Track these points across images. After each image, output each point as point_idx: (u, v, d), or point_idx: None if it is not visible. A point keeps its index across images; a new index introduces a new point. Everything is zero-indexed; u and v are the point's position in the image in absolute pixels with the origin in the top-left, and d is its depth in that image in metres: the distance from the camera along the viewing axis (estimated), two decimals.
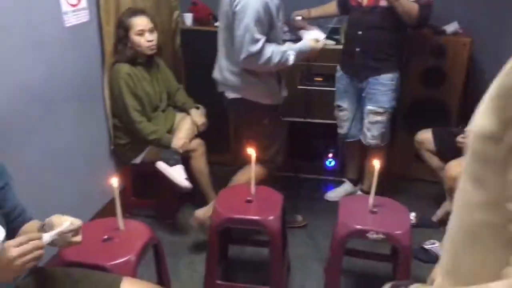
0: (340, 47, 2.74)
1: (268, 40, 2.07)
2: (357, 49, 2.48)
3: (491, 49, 3.01)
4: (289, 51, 2.12)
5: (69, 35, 2.15)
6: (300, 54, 2.17)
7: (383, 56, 2.46)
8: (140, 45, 2.39)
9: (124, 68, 2.37)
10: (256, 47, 2.01)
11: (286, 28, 2.59)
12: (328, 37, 2.83)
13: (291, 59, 2.13)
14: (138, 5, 2.60)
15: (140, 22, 2.38)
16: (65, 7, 2.12)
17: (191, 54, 3.14)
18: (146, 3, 2.69)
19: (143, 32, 2.38)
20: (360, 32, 2.47)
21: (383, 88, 2.49)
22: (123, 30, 2.38)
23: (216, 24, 2.20)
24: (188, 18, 3.25)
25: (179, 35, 3.16)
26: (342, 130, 2.77)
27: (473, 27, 2.98)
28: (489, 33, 3.01)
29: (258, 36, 2.01)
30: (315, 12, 2.70)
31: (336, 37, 3.00)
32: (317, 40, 2.26)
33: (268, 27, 2.07)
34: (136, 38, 2.37)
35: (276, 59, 2.08)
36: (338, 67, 2.67)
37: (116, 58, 2.40)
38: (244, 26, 1.99)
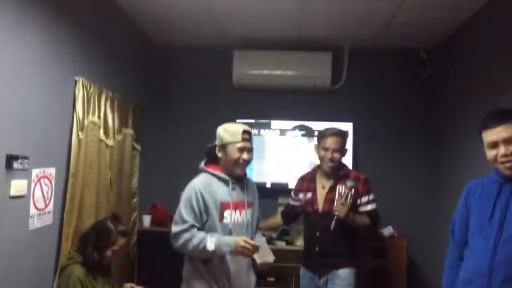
0: (290, 247, 3.29)
1: (205, 225, 2.19)
2: (316, 249, 2.66)
3: (426, 250, 3.58)
4: (208, 237, 2.13)
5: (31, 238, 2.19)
6: (222, 243, 2.12)
7: (340, 254, 2.62)
8: (107, 259, 2.43)
9: (77, 270, 2.31)
10: (176, 229, 2.16)
11: None
12: (278, 238, 3.40)
13: (209, 245, 2.11)
14: (101, 207, 2.81)
15: (123, 244, 2.53)
16: (33, 211, 2.18)
17: (146, 253, 3.40)
18: (109, 206, 2.91)
19: (118, 251, 2.50)
20: (318, 234, 2.67)
21: (341, 282, 2.59)
22: (105, 239, 2.40)
23: (172, 231, 2.25)
24: (147, 220, 3.58)
25: (136, 235, 3.44)
26: None
27: (407, 230, 3.51)
28: (423, 235, 3.62)
29: (184, 217, 2.15)
30: (263, 225, 2.80)
31: (286, 238, 3.43)
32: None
33: (203, 213, 2.18)
34: (109, 253, 2.42)
35: (191, 243, 2.13)
36: (301, 265, 2.81)
37: (75, 260, 2.37)
38: (178, 208, 2.20)
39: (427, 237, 3.65)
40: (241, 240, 2.12)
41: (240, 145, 2.22)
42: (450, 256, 2.02)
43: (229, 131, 2.24)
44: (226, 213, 2.22)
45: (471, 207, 1.88)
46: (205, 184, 2.23)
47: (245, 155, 2.23)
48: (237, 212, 2.25)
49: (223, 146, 2.25)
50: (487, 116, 1.80)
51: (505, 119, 1.72)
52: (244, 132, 2.24)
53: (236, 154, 2.22)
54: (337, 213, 2.52)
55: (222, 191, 2.23)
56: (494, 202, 1.77)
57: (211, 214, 2.19)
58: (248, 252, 2.12)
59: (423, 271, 3.68)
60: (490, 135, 1.75)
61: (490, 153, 1.77)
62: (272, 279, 2.64)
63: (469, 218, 1.88)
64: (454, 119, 3.38)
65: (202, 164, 2.34)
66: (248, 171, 2.41)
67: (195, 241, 2.11)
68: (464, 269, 1.86)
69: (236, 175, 2.27)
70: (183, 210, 2.18)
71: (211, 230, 2.19)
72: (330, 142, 2.65)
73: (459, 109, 3.29)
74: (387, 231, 3.44)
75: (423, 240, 3.63)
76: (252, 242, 2.14)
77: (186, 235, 2.13)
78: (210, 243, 2.10)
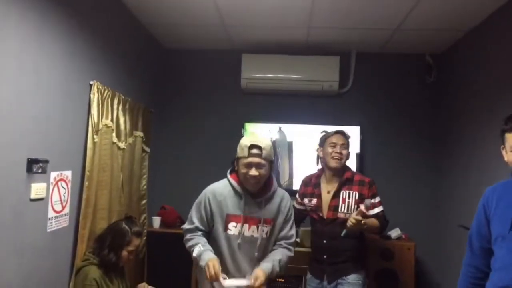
0: (299, 248, 3.08)
1: (211, 229, 2.29)
2: (325, 256, 2.65)
3: (432, 252, 3.65)
4: (198, 246, 2.21)
5: (49, 240, 2.23)
6: (202, 256, 2.18)
7: (349, 259, 2.62)
8: (123, 259, 2.47)
9: (93, 271, 2.34)
10: (184, 226, 2.32)
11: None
12: None
13: (194, 252, 2.21)
14: (113, 209, 2.86)
15: (138, 244, 2.57)
16: (51, 213, 2.22)
17: (156, 255, 3.45)
18: (121, 208, 2.98)
19: (133, 252, 2.54)
20: (325, 241, 2.65)
21: (351, 287, 2.59)
22: (120, 240, 2.44)
23: (182, 226, 2.40)
24: (156, 221, 3.59)
25: (145, 236, 3.43)
26: None
27: (414, 232, 3.56)
28: (430, 237, 3.69)
29: (192, 218, 2.29)
30: None
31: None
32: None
33: (209, 219, 2.27)
34: (125, 253, 2.46)
35: (187, 243, 2.28)
36: (308, 271, 2.80)
37: (91, 261, 2.41)
38: (193, 206, 2.34)
39: (434, 239, 3.69)
40: (211, 262, 2.11)
41: (246, 160, 2.16)
42: (464, 262, 1.94)
43: (240, 145, 2.21)
44: (231, 225, 2.24)
45: (490, 214, 1.79)
46: (217, 193, 2.27)
47: (252, 171, 2.16)
48: (247, 226, 2.24)
49: (237, 160, 2.24)
50: (509, 117, 1.71)
51: None
52: (252, 147, 2.16)
53: (243, 170, 2.18)
54: (349, 225, 2.44)
55: (232, 203, 2.24)
56: None
57: (215, 223, 2.26)
58: (209, 275, 2.09)
59: (431, 273, 3.72)
60: (510, 139, 1.68)
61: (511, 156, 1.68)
62: (281, 280, 2.66)
63: (489, 226, 1.79)
64: (460, 123, 3.42)
65: (228, 171, 2.34)
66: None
67: (190, 243, 2.26)
68: (490, 280, 1.77)
69: (249, 190, 2.24)
70: (193, 211, 2.32)
71: (216, 236, 2.27)
72: (337, 138, 2.66)
73: (465, 113, 3.33)
74: (395, 233, 3.47)
75: (430, 242, 3.67)
76: (216, 270, 2.08)
77: (188, 235, 2.28)
78: (196, 251, 2.20)
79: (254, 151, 2.16)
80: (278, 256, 2.27)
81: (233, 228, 2.24)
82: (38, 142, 2.09)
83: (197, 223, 2.27)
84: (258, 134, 2.30)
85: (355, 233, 2.54)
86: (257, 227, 2.25)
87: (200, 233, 2.27)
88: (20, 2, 1.92)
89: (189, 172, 3.93)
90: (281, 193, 2.35)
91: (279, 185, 3.51)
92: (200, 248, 2.19)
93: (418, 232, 3.61)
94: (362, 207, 2.46)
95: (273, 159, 2.25)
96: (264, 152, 2.16)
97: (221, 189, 2.28)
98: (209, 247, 2.23)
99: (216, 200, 2.25)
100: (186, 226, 2.31)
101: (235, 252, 2.25)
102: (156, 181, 3.82)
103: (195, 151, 3.96)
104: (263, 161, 2.17)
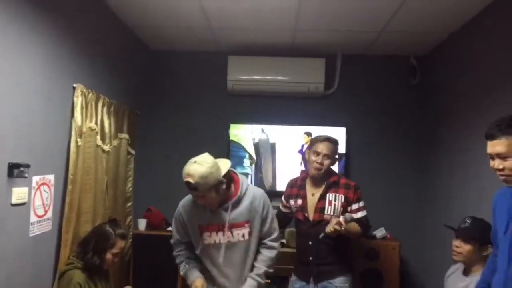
0: (286, 249, 3.16)
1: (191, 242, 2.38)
2: (310, 258, 2.64)
3: (416, 251, 3.71)
4: (182, 265, 2.38)
5: (31, 245, 2.20)
6: (188, 276, 2.36)
7: (335, 261, 2.63)
8: (107, 262, 2.45)
9: (77, 275, 2.32)
10: (171, 240, 2.46)
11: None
12: None
13: (181, 272, 2.41)
14: (97, 212, 2.82)
15: (122, 246, 2.53)
16: (33, 218, 2.19)
17: (141, 257, 3.44)
18: (105, 211, 2.94)
19: (118, 254, 2.51)
20: (310, 243, 2.63)
21: None
22: (104, 242, 2.42)
23: (168, 229, 2.50)
24: (142, 223, 3.57)
25: (131, 238, 3.43)
26: None
27: (398, 232, 3.60)
28: (414, 237, 3.73)
29: (173, 233, 2.43)
30: None
31: (282, 240, 3.25)
32: None
33: (187, 231, 2.37)
34: (109, 256, 2.44)
35: (176, 260, 2.44)
36: (293, 273, 2.80)
37: (75, 265, 2.38)
38: None
39: (419, 239, 3.73)
40: (196, 285, 2.30)
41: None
42: (490, 256, 2.01)
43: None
44: (205, 235, 2.30)
45: (496, 215, 1.84)
46: (186, 206, 2.34)
47: (199, 202, 2.23)
48: (222, 233, 2.28)
49: None
50: (491, 124, 1.72)
51: (504, 132, 1.64)
52: (187, 184, 2.13)
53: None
54: (327, 231, 2.46)
55: (201, 214, 2.28)
56: (507, 214, 1.73)
57: (191, 235, 2.36)
58: None
59: (415, 272, 3.76)
60: (488, 146, 1.71)
61: (490, 163, 1.73)
62: (268, 281, 2.67)
63: None
64: (445, 124, 3.46)
65: None
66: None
67: (177, 261, 2.43)
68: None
69: None
70: (173, 225, 2.45)
71: (196, 247, 2.37)
72: (322, 147, 2.65)
73: (450, 114, 3.37)
74: (380, 232, 3.50)
75: (414, 242, 3.71)
76: None
77: (174, 252, 2.44)
78: (181, 270, 2.39)
79: (190, 188, 2.14)
80: (262, 268, 2.36)
81: (208, 238, 2.30)
82: (19, 146, 2.07)
83: (177, 236, 2.41)
84: (193, 163, 2.13)
85: (333, 237, 2.54)
86: (231, 232, 2.28)
87: (184, 246, 2.41)
88: (1, 4, 1.90)
89: (175, 173, 3.85)
90: (250, 194, 2.32)
91: (263, 187, 3.55)
92: (186, 267, 2.36)
93: (403, 232, 3.65)
94: (341, 218, 2.47)
95: (219, 180, 2.15)
96: (199, 186, 2.09)
97: (189, 201, 2.34)
98: (193, 263, 2.38)
99: (186, 213, 2.33)
100: (171, 240, 2.46)
101: (215, 260, 2.32)
102: (141, 183, 3.80)
103: (180, 152, 3.88)
104: (203, 192, 2.13)
